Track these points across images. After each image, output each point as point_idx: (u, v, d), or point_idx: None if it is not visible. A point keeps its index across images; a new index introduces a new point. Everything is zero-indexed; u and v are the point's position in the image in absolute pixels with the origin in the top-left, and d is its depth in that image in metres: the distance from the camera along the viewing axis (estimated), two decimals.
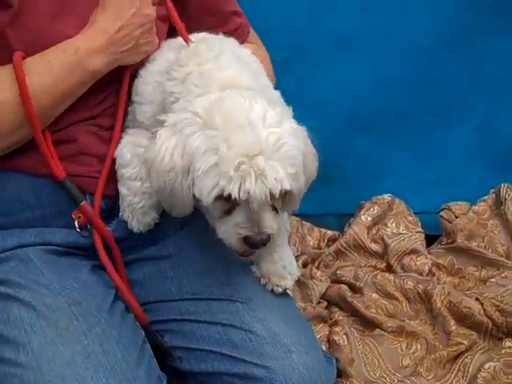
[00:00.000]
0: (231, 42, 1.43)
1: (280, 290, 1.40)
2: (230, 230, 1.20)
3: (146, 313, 1.37)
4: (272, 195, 1.15)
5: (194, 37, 1.40)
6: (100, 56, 1.29)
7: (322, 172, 2.36)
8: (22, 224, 1.36)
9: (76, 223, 1.34)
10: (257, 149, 1.13)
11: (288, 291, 1.46)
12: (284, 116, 1.23)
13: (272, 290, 1.41)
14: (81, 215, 1.33)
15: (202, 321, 1.35)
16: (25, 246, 1.34)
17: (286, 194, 1.21)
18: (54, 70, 1.27)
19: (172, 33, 1.47)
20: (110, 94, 1.38)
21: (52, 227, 1.37)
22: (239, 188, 1.13)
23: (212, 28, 1.46)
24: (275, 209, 1.22)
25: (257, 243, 1.19)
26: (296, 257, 2.13)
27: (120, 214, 1.37)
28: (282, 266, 1.41)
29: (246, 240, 1.18)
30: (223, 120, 1.16)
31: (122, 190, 1.36)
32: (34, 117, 1.24)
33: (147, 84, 1.37)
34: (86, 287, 1.32)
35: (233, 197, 1.13)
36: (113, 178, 1.37)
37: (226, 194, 1.14)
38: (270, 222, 1.20)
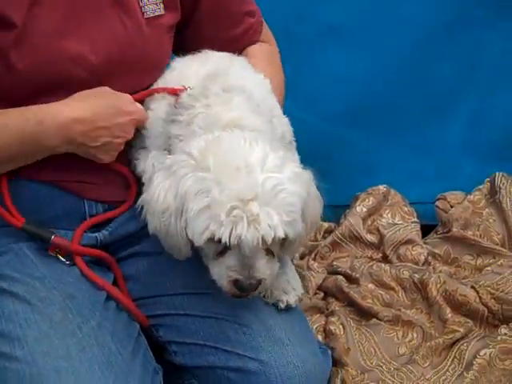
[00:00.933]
0: (241, 68, 1.41)
1: (282, 305, 1.38)
2: (221, 272, 1.19)
3: (140, 308, 1.38)
4: (266, 241, 1.13)
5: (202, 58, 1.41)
6: (61, 138, 1.26)
7: (317, 164, 2.40)
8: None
9: (60, 257, 1.34)
10: (251, 193, 1.11)
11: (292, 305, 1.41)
12: (287, 159, 1.20)
13: (274, 305, 1.39)
14: (58, 249, 1.33)
15: (195, 315, 1.35)
16: (20, 242, 1.35)
17: (284, 240, 1.19)
18: (10, 135, 1.25)
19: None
20: None
21: (49, 229, 1.37)
22: (230, 233, 1.11)
23: (223, 29, 1.48)
24: (271, 252, 1.21)
25: (246, 288, 1.17)
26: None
27: None
28: (286, 280, 1.39)
29: (235, 283, 1.17)
30: (217, 161, 1.14)
31: None
32: None
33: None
34: (80, 281, 1.34)
35: (223, 241, 1.12)
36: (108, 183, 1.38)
37: (216, 238, 1.13)
38: (262, 268, 1.18)
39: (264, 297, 1.38)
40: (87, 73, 1.30)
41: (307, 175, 1.26)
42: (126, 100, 1.32)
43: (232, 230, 1.11)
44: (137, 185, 1.41)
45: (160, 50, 1.41)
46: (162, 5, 1.38)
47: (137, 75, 1.37)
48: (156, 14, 1.37)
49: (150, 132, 1.36)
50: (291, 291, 1.39)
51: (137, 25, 1.34)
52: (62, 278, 1.32)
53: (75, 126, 1.25)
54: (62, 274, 1.32)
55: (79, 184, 1.38)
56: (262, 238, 1.12)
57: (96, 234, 1.41)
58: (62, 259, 1.34)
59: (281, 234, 1.14)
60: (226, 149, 1.16)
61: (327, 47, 2.28)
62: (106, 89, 1.31)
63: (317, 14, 2.25)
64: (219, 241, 1.13)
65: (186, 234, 1.18)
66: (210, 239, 1.14)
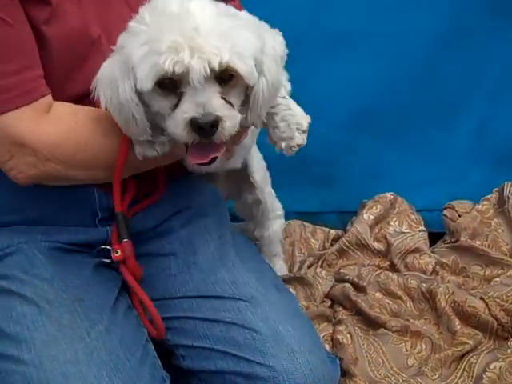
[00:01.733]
0: None
1: (294, 149, 1.33)
2: (176, 120, 1.11)
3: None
4: (213, 69, 1.09)
5: None
6: None
7: (324, 170, 2.40)
8: (31, 222, 1.35)
9: (113, 256, 1.31)
10: (191, 26, 1.09)
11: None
12: (237, 12, 1.19)
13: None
14: (119, 251, 1.31)
15: (204, 318, 1.34)
16: (31, 242, 1.33)
17: (231, 78, 1.14)
18: None
19: None
20: None
21: (59, 225, 1.36)
22: (174, 62, 1.07)
23: None
24: (229, 102, 1.15)
25: (203, 124, 1.09)
26: (302, 260, 2.14)
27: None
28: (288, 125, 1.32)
29: (192, 124, 1.09)
30: (151, 15, 1.13)
31: None
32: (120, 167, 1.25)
33: None
34: (89, 284, 1.32)
35: (168, 72, 1.07)
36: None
37: (163, 71, 1.08)
38: (217, 105, 1.11)
39: None
40: (104, 55, 1.28)
41: (273, 32, 1.25)
42: None
43: (174, 57, 1.07)
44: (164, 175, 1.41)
45: None
46: None
47: None
48: None
49: None
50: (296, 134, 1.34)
51: None
52: (71, 280, 1.30)
53: None
54: (70, 276, 1.31)
55: None
56: (209, 66, 1.08)
57: (106, 228, 1.39)
58: (106, 260, 1.35)
59: (226, 59, 1.09)
60: (159, 3, 1.15)
61: (336, 54, 2.27)
62: None
63: (326, 21, 2.24)
64: (170, 88, 1.11)
65: (138, 96, 1.14)
66: (162, 89, 1.11)
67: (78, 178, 1.29)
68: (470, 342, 1.74)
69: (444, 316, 1.83)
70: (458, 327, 1.79)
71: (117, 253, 1.30)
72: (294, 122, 1.32)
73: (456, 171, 2.34)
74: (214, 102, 1.11)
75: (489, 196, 2.23)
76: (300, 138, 1.32)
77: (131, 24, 1.17)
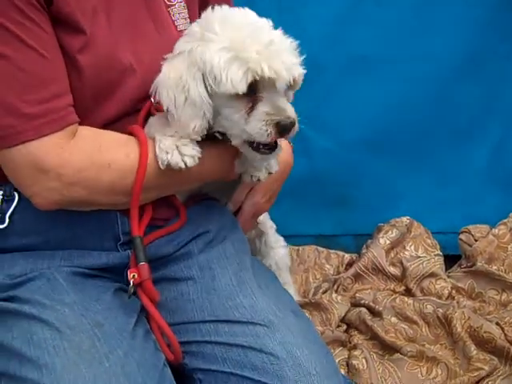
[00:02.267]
0: None
1: (254, 180, 1.43)
2: (260, 123, 1.23)
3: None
4: (292, 78, 1.24)
5: None
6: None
7: (340, 193, 2.41)
8: (53, 244, 1.37)
9: (129, 278, 1.32)
10: (267, 39, 1.23)
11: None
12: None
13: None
14: (135, 275, 1.31)
15: (222, 343, 1.33)
16: (52, 267, 1.35)
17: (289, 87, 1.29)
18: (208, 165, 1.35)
19: None
20: None
21: (81, 249, 1.38)
22: (269, 68, 1.20)
23: None
24: None
25: (287, 127, 1.23)
26: (317, 286, 2.15)
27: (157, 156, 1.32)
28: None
29: (277, 126, 1.22)
30: (221, 25, 1.25)
31: (154, 132, 1.34)
32: (138, 191, 1.29)
33: None
34: (109, 309, 1.32)
35: (266, 75, 1.20)
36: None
37: (258, 76, 1.20)
38: (291, 109, 1.25)
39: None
40: (135, 81, 1.34)
41: None
42: None
43: (270, 65, 1.20)
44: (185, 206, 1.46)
45: None
46: (188, 20, 1.46)
47: None
48: (185, 27, 1.44)
49: None
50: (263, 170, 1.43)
51: (172, 37, 1.39)
52: (91, 305, 1.30)
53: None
54: (91, 302, 1.31)
55: None
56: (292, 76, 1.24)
57: (128, 252, 1.40)
58: (130, 287, 1.33)
59: (301, 71, 1.27)
60: (224, 13, 1.28)
61: (353, 78, 2.31)
62: None
63: (343, 45, 2.28)
64: (249, 94, 1.22)
65: (210, 95, 1.24)
66: (241, 95, 1.22)
67: (100, 202, 1.32)
68: (486, 367, 1.74)
69: (460, 341, 1.83)
70: (474, 352, 1.79)
71: (133, 276, 1.31)
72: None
73: (471, 194, 2.36)
74: (290, 108, 1.26)
75: (505, 220, 2.24)
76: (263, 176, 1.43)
77: (195, 29, 1.29)
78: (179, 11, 1.44)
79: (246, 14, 1.29)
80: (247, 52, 1.20)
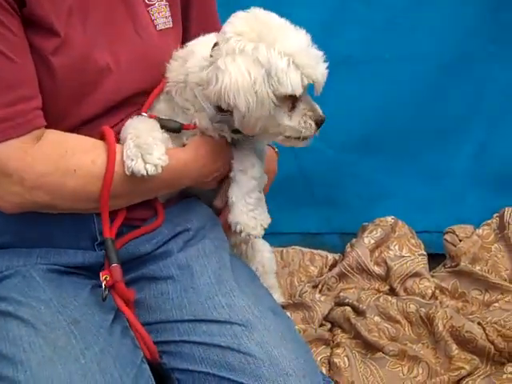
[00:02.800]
0: None
1: (252, 237, 1.47)
2: (302, 119, 1.37)
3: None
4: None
5: None
6: (193, 180, 1.44)
7: (326, 191, 2.42)
8: (29, 243, 1.37)
9: (102, 280, 1.32)
10: (307, 42, 1.35)
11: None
12: None
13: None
14: (108, 276, 1.32)
15: (200, 342, 1.34)
16: (29, 265, 1.35)
17: None
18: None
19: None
20: (127, 116, 1.41)
21: (57, 247, 1.38)
22: (319, 73, 1.34)
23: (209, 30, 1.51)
24: None
25: (323, 120, 1.40)
26: (302, 289, 2.15)
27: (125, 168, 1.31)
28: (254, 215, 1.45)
29: (317, 121, 1.39)
30: (270, 26, 1.33)
31: (127, 135, 1.34)
32: (106, 196, 1.29)
33: None
34: (86, 306, 1.33)
35: (316, 81, 1.34)
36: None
37: (310, 80, 1.33)
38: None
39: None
40: (112, 81, 1.34)
41: None
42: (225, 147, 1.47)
43: (320, 70, 1.35)
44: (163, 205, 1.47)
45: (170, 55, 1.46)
46: (170, 18, 1.46)
47: (150, 76, 1.42)
48: (166, 26, 1.45)
49: None
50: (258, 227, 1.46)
51: (151, 36, 1.41)
52: (68, 302, 1.31)
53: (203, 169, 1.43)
54: (68, 298, 1.32)
55: None
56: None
57: (104, 252, 1.40)
58: (103, 288, 1.32)
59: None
60: (263, 16, 1.36)
61: (338, 78, 2.25)
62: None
63: (328, 46, 2.26)
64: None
65: (276, 96, 1.32)
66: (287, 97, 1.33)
67: (64, 207, 1.32)
68: (467, 366, 1.75)
69: (441, 341, 1.84)
70: (455, 352, 1.80)
71: (106, 278, 1.32)
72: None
73: (456, 194, 2.37)
74: (318, 106, 1.41)
75: (489, 221, 2.25)
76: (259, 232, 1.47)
77: (239, 29, 1.33)
78: (159, 10, 1.44)
79: (277, 16, 1.38)
80: (301, 57, 1.31)
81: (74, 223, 1.37)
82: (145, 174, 1.28)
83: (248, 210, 1.44)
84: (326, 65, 1.37)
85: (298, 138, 1.40)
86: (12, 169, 1.23)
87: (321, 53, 1.37)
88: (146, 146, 1.30)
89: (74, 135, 1.31)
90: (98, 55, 1.32)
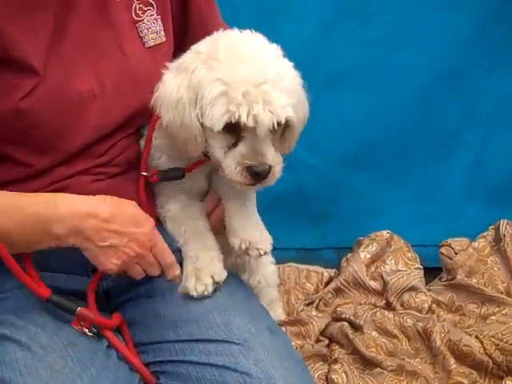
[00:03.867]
0: None
1: (262, 252, 1.42)
2: (234, 162, 1.24)
3: (141, 354, 1.37)
4: (273, 128, 1.23)
5: None
6: (69, 228, 1.25)
7: (321, 206, 2.42)
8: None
9: (83, 329, 1.31)
10: (262, 78, 1.21)
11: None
12: (281, 53, 1.31)
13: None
14: (82, 323, 1.31)
15: (197, 362, 1.33)
16: (23, 287, 1.35)
17: (284, 130, 1.30)
18: (18, 216, 1.25)
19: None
20: (119, 141, 1.40)
21: (51, 272, 1.38)
22: (248, 114, 1.20)
23: None
24: (275, 148, 1.30)
25: (259, 172, 1.24)
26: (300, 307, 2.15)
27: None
28: (259, 233, 1.44)
29: (248, 170, 1.24)
30: (226, 52, 1.25)
31: (186, 260, 1.41)
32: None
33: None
34: None
35: (242, 122, 1.20)
36: None
37: (234, 119, 1.20)
38: (272, 155, 1.26)
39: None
40: (97, 107, 1.32)
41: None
42: (150, 224, 1.33)
43: (249, 110, 1.19)
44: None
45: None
46: (162, 32, 1.43)
47: (141, 97, 1.37)
48: (158, 42, 1.42)
49: None
50: (266, 240, 1.44)
51: (138, 55, 1.38)
52: (64, 324, 1.31)
53: (89, 219, 1.25)
54: (64, 321, 1.31)
55: None
56: (277, 120, 1.22)
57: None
58: (87, 333, 1.31)
59: (291, 114, 1.24)
60: (231, 41, 1.28)
61: (332, 93, 2.31)
62: (134, 203, 1.33)
63: (323, 60, 2.28)
64: (234, 130, 1.23)
65: (201, 124, 1.26)
66: (226, 128, 1.23)
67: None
68: (465, 381, 1.75)
69: (439, 355, 1.83)
70: (453, 366, 1.79)
71: (81, 325, 1.31)
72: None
73: (451, 207, 2.38)
74: (270, 154, 1.26)
75: (485, 233, 2.25)
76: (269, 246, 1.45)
77: (201, 48, 1.29)
78: (148, 26, 1.40)
79: (254, 43, 1.29)
80: (235, 91, 1.20)
81: (68, 250, 1.36)
82: (194, 294, 1.37)
83: (252, 227, 1.44)
84: (283, 101, 1.22)
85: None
86: None
87: (283, 85, 1.24)
88: (200, 268, 1.38)
89: None
90: (79, 82, 1.30)
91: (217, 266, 1.40)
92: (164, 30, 1.43)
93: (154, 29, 1.41)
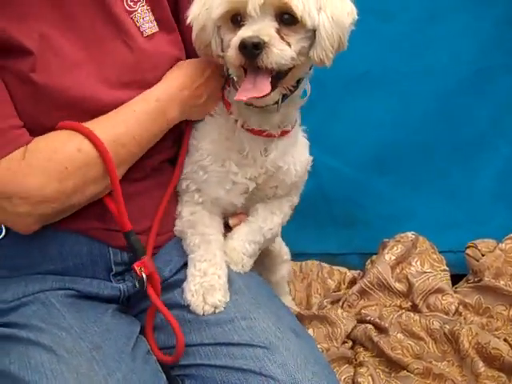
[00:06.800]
0: None
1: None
2: (231, 44, 1.24)
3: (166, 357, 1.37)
4: (272, 8, 1.22)
5: None
6: (177, 106, 1.39)
7: (346, 211, 2.40)
8: (44, 274, 1.38)
9: (138, 273, 1.33)
10: None
11: None
12: None
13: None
14: (142, 268, 1.33)
15: (222, 366, 1.32)
16: (46, 291, 1.36)
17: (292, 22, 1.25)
18: (139, 118, 1.34)
19: None
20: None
21: (73, 276, 1.38)
22: None
23: None
24: (287, 43, 1.25)
25: (247, 44, 1.20)
26: (321, 301, 2.15)
27: (184, 295, 1.39)
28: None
29: (240, 46, 1.21)
30: None
31: (191, 270, 1.41)
32: (113, 168, 1.28)
33: None
34: (107, 331, 1.32)
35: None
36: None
37: (229, 1, 1.24)
38: (268, 32, 1.22)
39: None
40: (103, 95, 1.33)
41: None
42: (199, 62, 1.44)
43: None
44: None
45: (164, 60, 1.43)
46: (155, 22, 1.42)
47: (147, 85, 1.39)
48: (153, 31, 1.42)
49: None
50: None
51: (139, 44, 1.38)
52: (89, 327, 1.30)
53: (182, 92, 1.39)
54: (89, 324, 1.31)
55: (104, 232, 1.38)
56: None
57: (120, 285, 1.42)
58: (141, 278, 1.33)
59: None
60: None
61: (355, 95, 2.30)
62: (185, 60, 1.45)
63: (344, 63, 2.24)
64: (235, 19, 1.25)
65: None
66: (226, 14, 1.27)
67: (78, 203, 1.32)
68: None
69: (467, 358, 1.81)
70: (482, 369, 1.77)
71: (141, 270, 1.32)
72: None
73: (479, 212, 2.34)
74: (265, 30, 1.22)
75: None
76: None
77: None
78: (143, 16, 1.40)
79: None
80: None
81: (89, 257, 1.38)
82: (201, 313, 1.36)
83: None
84: None
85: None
86: (9, 192, 1.23)
87: None
88: (209, 288, 1.37)
89: (47, 135, 1.29)
90: (83, 72, 1.31)
91: (224, 287, 1.40)
92: (156, 20, 1.43)
93: (147, 18, 1.41)
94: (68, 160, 1.26)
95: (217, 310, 1.36)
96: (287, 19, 1.25)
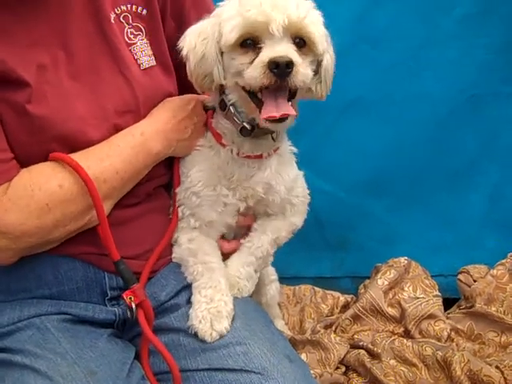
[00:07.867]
0: None
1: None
2: (257, 66, 1.24)
3: (161, 383, 1.36)
4: (292, 23, 1.24)
5: None
6: (162, 140, 1.40)
7: (338, 234, 2.41)
8: (39, 298, 1.38)
9: (128, 302, 1.33)
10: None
11: None
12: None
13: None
14: (132, 297, 1.33)
15: None
16: (42, 315, 1.35)
17: (305, 43, 1.30)
18: (123, 153, 1.34)
19: None
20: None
21: (69, 301, 1.38)
22: (258, 13, 1.23)
23: None
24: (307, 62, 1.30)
25: (279, 62, 1.22)
26: (314, 326, 2.15)
27: (189, 323, 1.39)
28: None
29: (269, 65, 1.22)
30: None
31: (197, 297, 1.41)
32: (99, 200, 1.29)
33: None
34: (102, 356, 1.32)
35: (252, 19, 1.23)
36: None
37: (245, 24, 1.24)
38: (294, 53, 1.25)
39: None
40: (99, 127, 1.34)
41: None
42: (182, 98, 1.48)
43: (259, 10, 1.23)
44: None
45: (159, 94, 1.45)
46: (153, 56, 1.44)
47: (141, 117, 1.41)
48: (150, 64, 1.44)
49: None
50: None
51: (136, 76, 1.39)
52: (84, 353, 1.30)
53: (166, 125, 1.41)
54: (84, 349, 1.31)
55: (100, 257, 1.39)
56: (289, 18, 1.23)
57: (115, 309, 1.42)
58: (129, 306, 1.34)
59: (304, 14, 1.26)
60: None
61: (349, 120, 2.32)
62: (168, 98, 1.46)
63: (339, 87, 2.27)
64: (252, 45, 1.26)
65: (221, 54, 1.32)
66: (243, 45, 1.28)
67: (56, 237, 1.32)
68: None
69: None
70: None
71: (130, 299, 1.32)
72: None
73: (470, 236, 2.36)
74: (291, 51, 1.26)
75: (503, 260, 2.22)
76: None
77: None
78: (141, 49, 1.42)
79: None
80: (248, 7, 1.25)
81: (85, 278, 1.38)
82: (209, 340, 1.35)
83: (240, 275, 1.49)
84: (294, 8, 1.26)
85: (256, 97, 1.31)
86: None
87: (288, 3, 1.26)
88: (217, 314, 1.37)
89: (32, 168, 1.30)
90: (78, 105, 1.32)
91: (231, 314, 1.40)
92: (153, 55, 1.45)
93: (146, 52, 1.44)
94: (49, 196, 1.28)
95: (223, 335, 1.36)
96: (298, 43, 1.29)
